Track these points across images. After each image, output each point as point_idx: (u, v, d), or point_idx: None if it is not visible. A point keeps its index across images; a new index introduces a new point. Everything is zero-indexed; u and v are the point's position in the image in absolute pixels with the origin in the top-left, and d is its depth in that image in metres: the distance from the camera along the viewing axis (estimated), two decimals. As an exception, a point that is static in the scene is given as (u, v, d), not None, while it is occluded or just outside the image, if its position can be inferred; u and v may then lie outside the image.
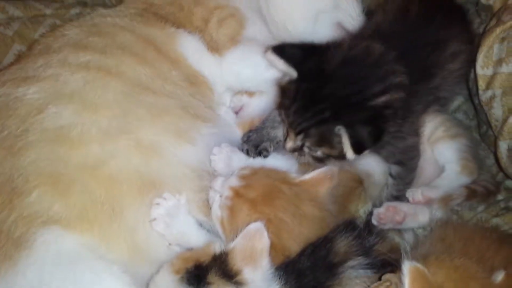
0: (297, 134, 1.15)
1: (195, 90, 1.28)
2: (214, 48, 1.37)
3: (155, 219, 1.04)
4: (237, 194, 1.07)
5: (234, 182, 1.09)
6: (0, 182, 0.98)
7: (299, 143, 1.16)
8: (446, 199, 1.26)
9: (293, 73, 1.15)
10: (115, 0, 1.70)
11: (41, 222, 0.94)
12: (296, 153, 1.20)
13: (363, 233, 1.05)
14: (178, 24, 1.35)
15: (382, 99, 1.10)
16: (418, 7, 1.28)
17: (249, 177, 1.11)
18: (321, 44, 1.21)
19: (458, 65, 1.29)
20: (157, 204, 1.05)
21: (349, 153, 1.07)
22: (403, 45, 1.18)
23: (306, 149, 1.17)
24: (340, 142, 1.08)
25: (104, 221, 0.98)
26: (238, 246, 0.95)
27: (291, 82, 1.16)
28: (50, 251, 0.93)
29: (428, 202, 1.25)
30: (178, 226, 1.06)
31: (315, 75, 1.14)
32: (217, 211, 1.08)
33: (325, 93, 1.11)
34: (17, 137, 1.02)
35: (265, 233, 0.96)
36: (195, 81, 1.30)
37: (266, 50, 1.22)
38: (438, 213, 1.24)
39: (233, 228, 1.04)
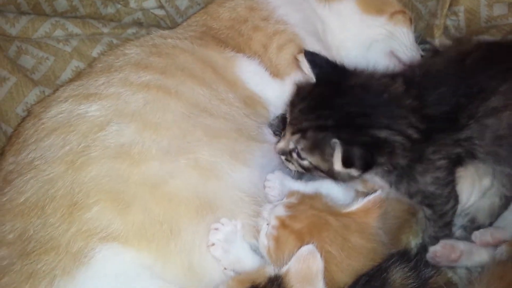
0: (293, 133, 1.16)
1: (250, 111, 1.29)
2: (274, 72, 1.38)
3: (213, 244, 1.04)
4: (283, 224, 1.06)
5: (280, 211, 1.08)
6: (60, 195, 1.00)
7: (292, 145, 1.17)
8: None
9: (313, 78, 1.20)
10: (170, 22, 1.73)
11: (100, 238, 0.95)
12: (283, 158, 1.21)
13: (419, 264, 1.04)
14: (238, 49, 1.37)
15: (384, 134, 1.10)
16: (474, 60, 1.20)
17: (295, 206, 1.10)
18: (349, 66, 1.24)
19: (499, 122, 1.14)
20: (216, 229, 1.04)
21: (337, 164, 1.08)
22: (442, 91, 1.16)
23: (294, 155, 1.17)
24: (331, 155, 1.09)
25: (162, 240, 0.98)
26: (293, 269, 0.95)
27: (307, 84, 1.21)
28: (107, 268, 0.94)
29: (497, 244, 1.21)
30: (235, 251, 1.06)
31: (332, 85, 1.17)
32: (263, 240, 1.08)
33: (335, 103, 1.14)
34: (78, 153, 1.04)
35: (318, 255, 0.95)
36: (250, 103, 1.31)
37: (300, 51, 1.30)
38: (504, 254, 1.19)
39: (279, 257, 1.03)
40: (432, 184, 1.16)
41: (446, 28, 1.58)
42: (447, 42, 1.60)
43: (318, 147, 1.12)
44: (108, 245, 0.95)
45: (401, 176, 1.16)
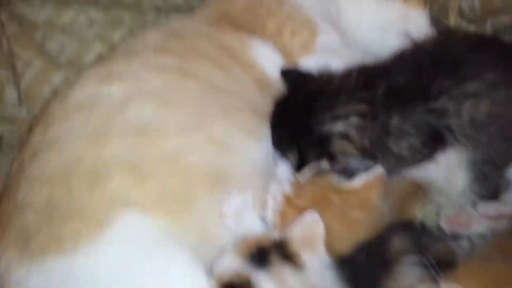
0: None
1: (265, 94, 1.32)
2: (288, 56, 1.41)
3: (225, 215, 1.08)
4: (288, 201, 1.12)
5: (286, 189, 1.14)
6: (83, 170, 1.06)
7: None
8: None
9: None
10: (188, 8, 1.77)
11: (121, 204, 1.01)
12: None
13: (420, 233, 1.08)
14: (253, 32, 1.41)
15: (327, 127, 1.18)
16: (462, 41, 1.26)
17: (301, 184, 1.15)
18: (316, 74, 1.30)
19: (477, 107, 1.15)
20: (227, 200, 1.09)
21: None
22: (404, 63, 1.24)
23: None
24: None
25: (177, 209, 1.04)
26: (296, 232, 1.03)
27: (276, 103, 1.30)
28: (129, 232, 1.00)
29: (501, 218, 1.20)
30: (246, 221, 1.10)
31: (284, 100, 1.28)
32: (270, 216, 1.13)
33: (284, 118, 1.25)
34: (100, 131, 1.10)
35: (321, 222, 1.02)
36: (265, 86, 1.34)
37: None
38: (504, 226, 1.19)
39: None
40: (406, 149, 1.17)
41: (460, 9, 1.59)
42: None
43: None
44: (129, 210, 1.01)
45: (377, 151, 1.19)
